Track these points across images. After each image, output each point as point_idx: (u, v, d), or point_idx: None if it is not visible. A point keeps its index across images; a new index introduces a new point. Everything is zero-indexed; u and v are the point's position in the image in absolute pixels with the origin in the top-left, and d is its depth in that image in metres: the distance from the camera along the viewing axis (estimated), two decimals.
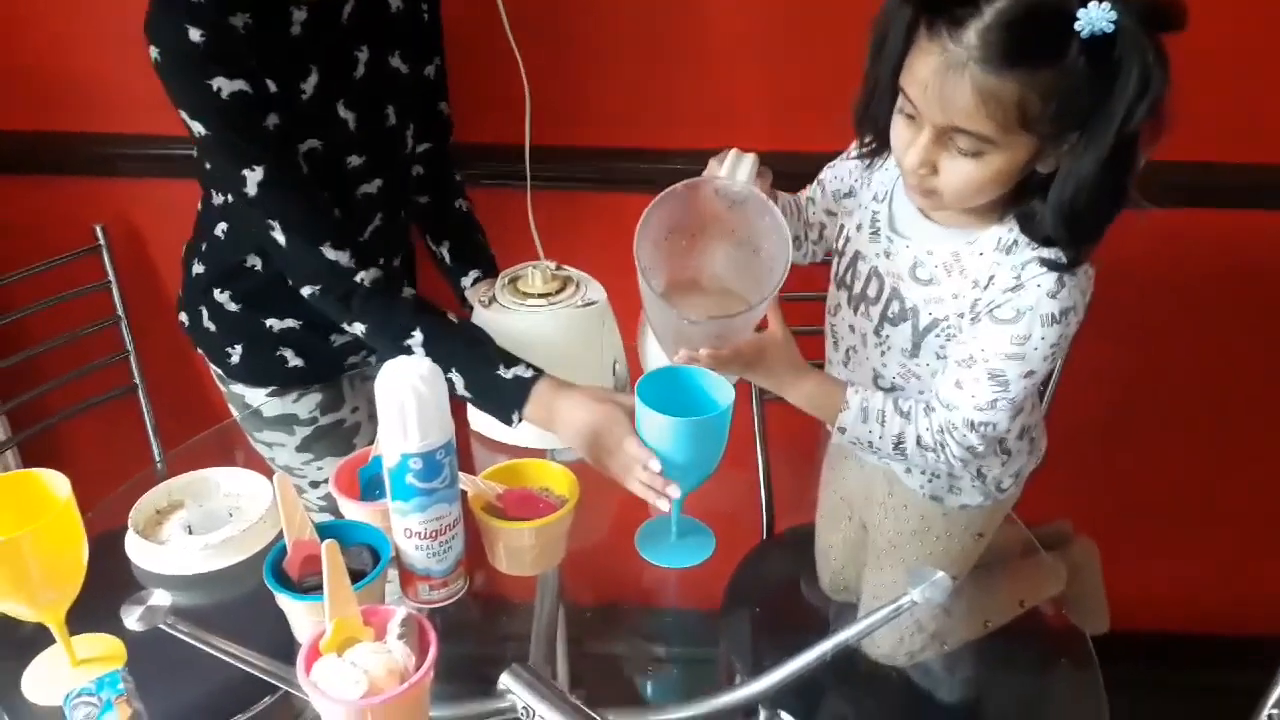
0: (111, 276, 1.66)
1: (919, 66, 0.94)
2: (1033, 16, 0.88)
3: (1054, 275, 1.00)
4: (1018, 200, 1.02)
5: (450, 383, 1.19)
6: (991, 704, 1.29)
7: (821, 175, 1.27)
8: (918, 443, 1.14)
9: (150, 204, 1.73)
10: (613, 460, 1.12)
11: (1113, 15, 0.85)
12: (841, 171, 1.25)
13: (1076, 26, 0.86)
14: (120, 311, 1.68)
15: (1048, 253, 1.00)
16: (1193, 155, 1.52)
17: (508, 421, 1.18)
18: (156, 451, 1.71)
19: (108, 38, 1.59)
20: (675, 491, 1.09)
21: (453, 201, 1.46)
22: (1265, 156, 1.60)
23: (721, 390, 1.11)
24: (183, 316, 1.40)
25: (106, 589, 1.01)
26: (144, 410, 1.71)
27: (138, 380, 1.70)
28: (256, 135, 1.13)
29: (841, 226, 1.23)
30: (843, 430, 1.16)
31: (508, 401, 1.17)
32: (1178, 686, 2.01)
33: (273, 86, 1.14)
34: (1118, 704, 1.08)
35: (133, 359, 1.70)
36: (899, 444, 1.14)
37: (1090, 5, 0.86)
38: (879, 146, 1.10)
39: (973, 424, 1.09)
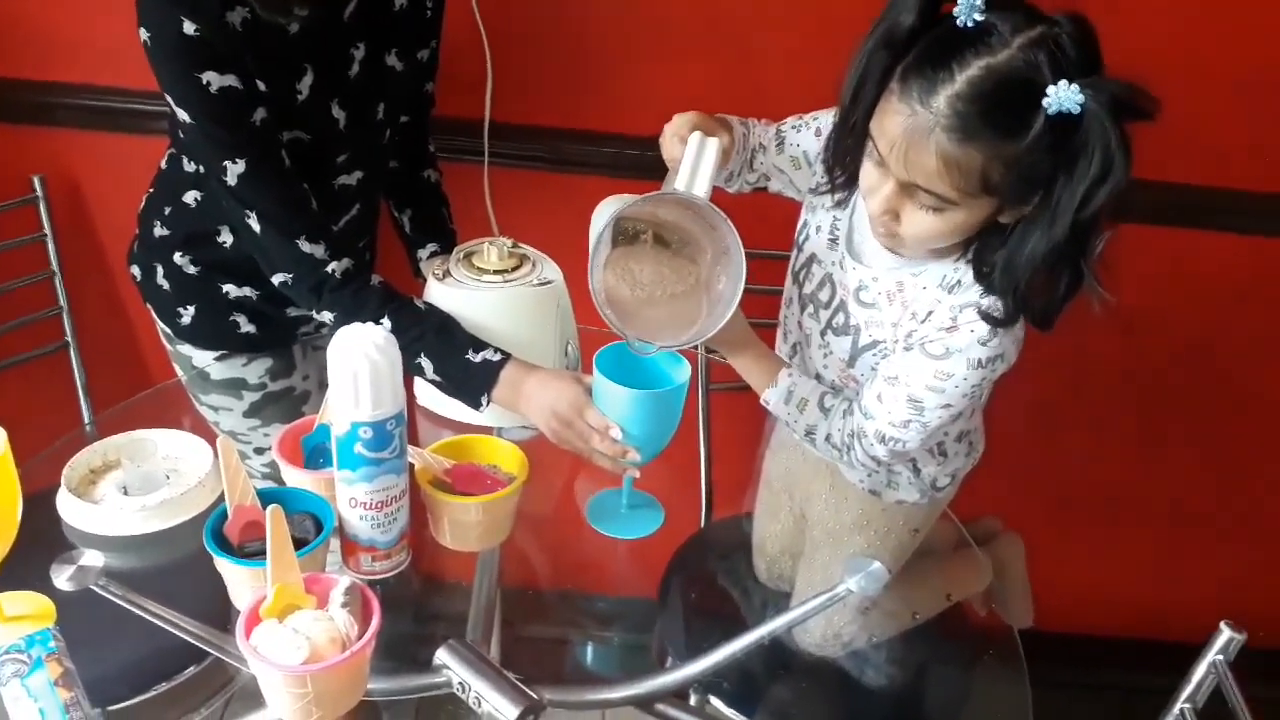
0: (47, 229, 1.61)
1: (889, 123, 0.95)
2: (1002, 89, 0.89)
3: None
4: (973, 241, 1.04)
5: (419, 368, 1.20)
6: (920, 694, 1.32)
7: (784, 129, 1.24)
8: (826, 439, 1.18)
9: (91, 157, 1.67)
10: (573, 432, 1.13)
11: (1080, 97, 0.86)
12: (807, 144, 1.22)
13: (1044, 103, 0.87)
14: (55, 266, 1.63)
15: (986, 302, 1.02)
16: (1140, 173, 1.58)
17: (476, 405, 1.20)
18: (86, 411, 1.66)
19: None
20: (636, 456, 1.11)
21: (422, 171, 1.45)
22: (1206, 179, 1.66)
23: (677, 366, 1.13)
24: (134, 270, 1.37)
25: (35, 548, 0.99)
26: (75, 368, 1.66)
27: (69, 337, 1.66)
28: (242, 129, 1.11)
29: (805, 222, 1.24)
30: (766, 402, 1.21)
31: (477, 385, 1.19)
32: (1095, 686, 2.09)
33: (265, 86, 1.12)
34: (1039, 699, 1.12)
35: (65, 315, 1.65)
36: (809, 434, 1.19)
37: (1060, 84, 0.86)
38: (847, 183, 1.11)
39: (883, 437, 1.11)
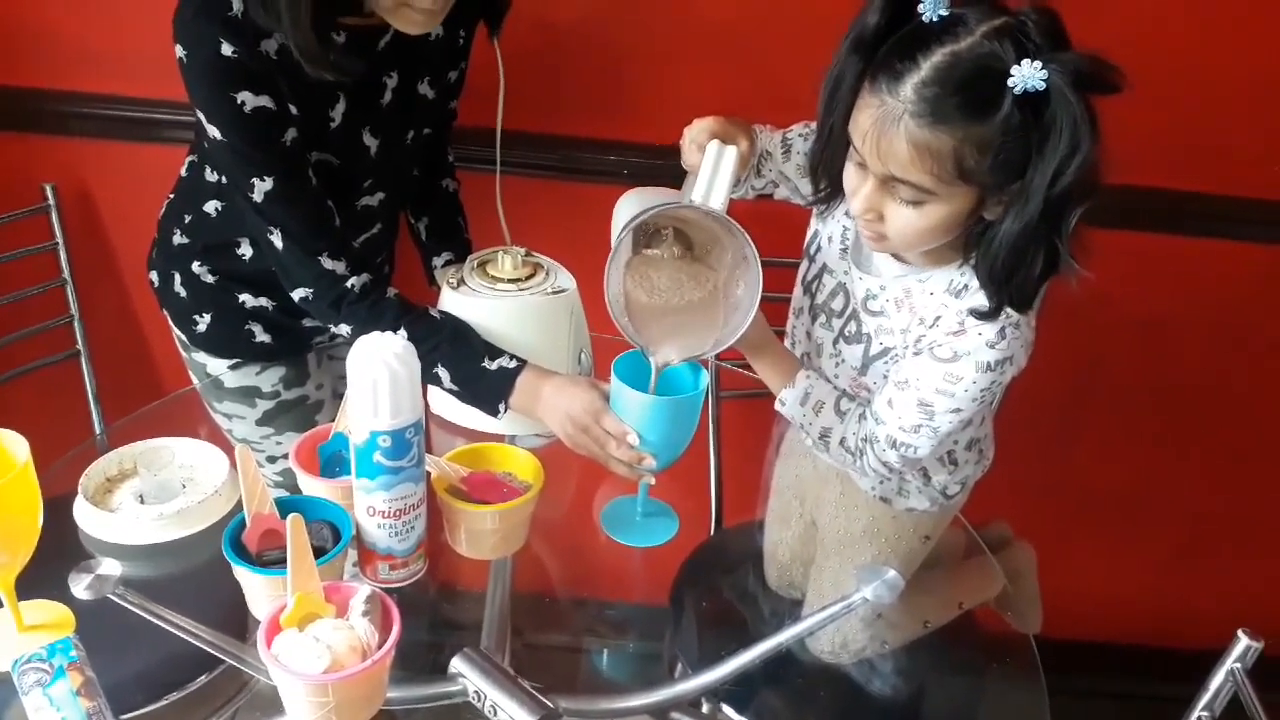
0: (59, 238, 1.62)
1: (862, 118, 0.97)
2: (967, 71, 0.90)
3: (996, 325, 1.02)
4: (973, 245, 1.04)
5: (436, 377, 1.20)
6: (933, 702, 1.32)
7: (790, 136, 1.25)
8: (841, 442, 1.17)
9: (103, 165, 1.68)
10: (590, 438, 1.14)
11: (1044, 73, 0.87)
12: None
13: (1010, 83, 0.88)
14: (67, 274, 1.63)
15: (984, 304, 1.02)
16: (1153, 181, 1.59)
17: (494, 412, 1.20)
18: (97, 420, 1.67)
19: None
20: (652, 463, 1.11)
21: (441, 179, 1.46)
22: (1220, 188, 1.66)
23: (695, 373, 1.13)
24: (152, 276, 1.38)
25: (52, 556, 0.99)
26: (86, 377, 1.66)
27: (81, 346, 1.66)
28: (272, 148, 1.11)
29: (816, 232, 1.24)
30: (782, 403, 1.20)
31: (493, 392, 1.19)
32: (1109, 694, 2.09)
33: (297, 111, 1.12)
34: (1051, 707, 1.11)
35: (77, 324, 1.65)
36: (824, 436, 1.19)
37: (1024, 63, 0.87)
38: (832, 192, 1.11)
39: (894, 442, 1.11)
